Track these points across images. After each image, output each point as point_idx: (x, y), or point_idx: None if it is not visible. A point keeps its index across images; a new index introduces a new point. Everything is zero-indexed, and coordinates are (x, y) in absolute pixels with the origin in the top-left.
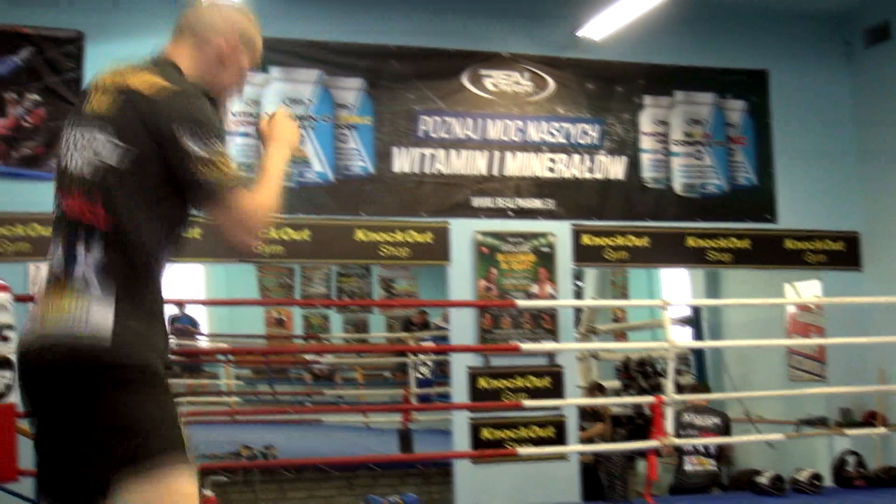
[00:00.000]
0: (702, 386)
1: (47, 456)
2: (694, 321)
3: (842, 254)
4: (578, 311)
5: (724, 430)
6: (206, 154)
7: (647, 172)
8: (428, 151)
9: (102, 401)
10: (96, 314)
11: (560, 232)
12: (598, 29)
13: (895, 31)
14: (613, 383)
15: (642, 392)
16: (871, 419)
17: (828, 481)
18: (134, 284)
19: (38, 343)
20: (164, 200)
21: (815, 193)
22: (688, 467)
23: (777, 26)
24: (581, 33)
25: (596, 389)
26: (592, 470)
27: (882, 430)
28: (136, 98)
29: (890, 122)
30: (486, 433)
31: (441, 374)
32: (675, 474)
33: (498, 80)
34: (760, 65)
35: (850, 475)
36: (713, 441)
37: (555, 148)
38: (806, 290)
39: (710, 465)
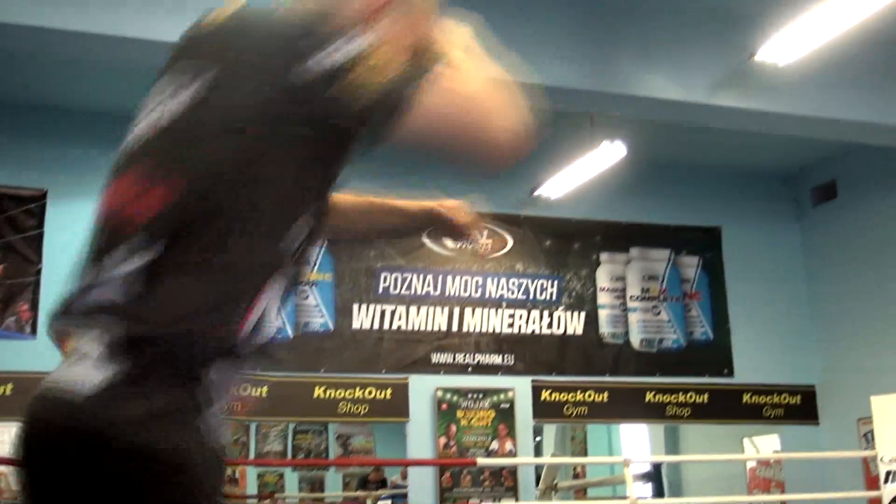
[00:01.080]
0: None
1: None
2: (654, 477)
3: (799, 408)
4: (538, 466)
5: None
6: None
7: (605, 328)
8: (388, 307)
9: None
10: None
11: (519, 388)
12: (555, 188)
13: (842, 191)
14: None
15: None
16: None
17: None
18: None
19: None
20: None
21: (771, 347)
22: None
23: (729, 185)
24: (538, 192)
25: None
26: None
27: None
28: None
29: (840, 277)
30: None
31: None
32: None
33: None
34: (714, 222)
35: None
36: None
37: (514, 304)
38: (765, 444)
39: None
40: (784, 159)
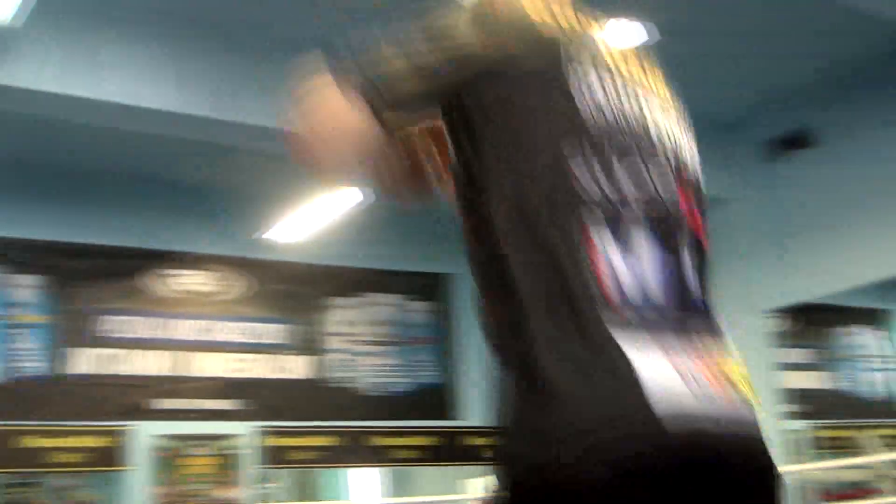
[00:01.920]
0: None
1: None
2: None
3: None
4: None
5: None
6: None
7: (334, 372)
8: (107, 352)
9: None
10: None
11: (245, 434)
12: (286, 232)
13: None
14: None
15: None
16: None
17: None
18: None
19: (737, 429)
20: None
21: None
22: None
23: (457, 232)
24: (269, 235)
25: None
26: None
27: None
28: None
29: None
30: None
31: None
32: None
33: (184, 280)
34: (444, 268)
35: None
36: None
37: (241, 348)
38: (485, 486)
39: None
40: None
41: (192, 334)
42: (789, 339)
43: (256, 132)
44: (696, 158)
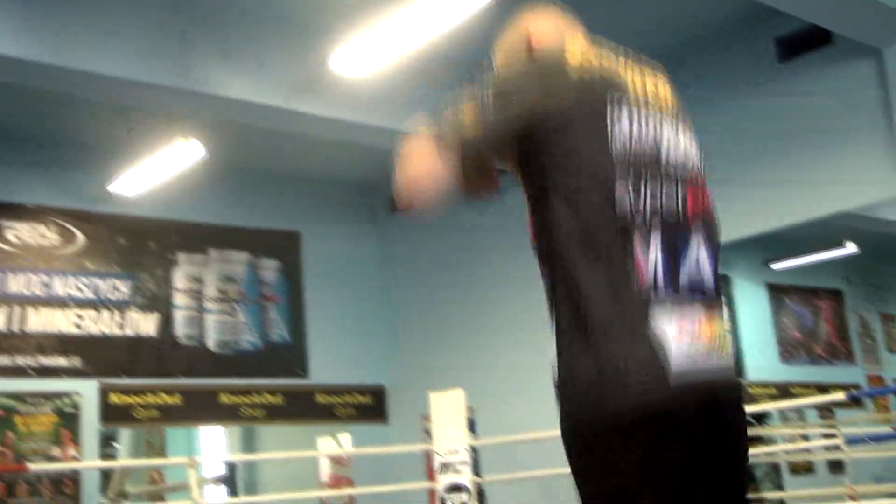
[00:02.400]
0: None
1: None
2: (229, 480)
3: (370, 407)
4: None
5: None
6: None
7: (180, 329)
8: None
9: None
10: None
11: (86, 391)
12: (130, 185)
13: None
14: None
15: None
16: None
17: None
18: None
19: (723, 375)
20: None
21: (346, 349)
22: None
23: (309, 191)
24: (112, 188)
25: None
26: None
27: None
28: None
29: (410, 283)
30: None
31: None
32: None
33: (21, 233)
34: (293, 226)
35: None
36: None
37: (82, 304)
38: (336, 442)
39: None
40: (362, 168)
41: (30, 288)
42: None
43: (102, 82)
44: (699, 156)
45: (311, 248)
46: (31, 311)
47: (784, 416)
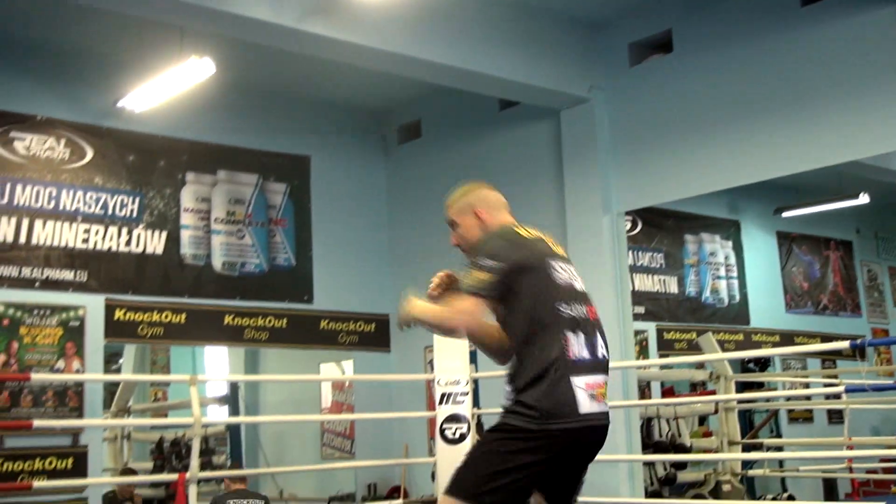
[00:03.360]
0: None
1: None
2: (231, 400)
3: (373, 335)
4: (112, 389)
5: None
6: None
7: (187, 249)
8: None
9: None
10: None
11: (92, 306)
12: (141, 101)
13: (426, 130)
14: (147, 465)
15: (175, 472)
16: (394, 493)
17: None
18: None
19: (603, 418)
20: None
21: (351, 276)
22: None
23: (320, 115)
24: (122, 103)
25: (126, 473)
26: None
27: (398, 501)
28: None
29: (417, 214)
30: None
31: None
32: None
33: (31, 144)
34: (303, 150)
35: None
36: None
37: (90, 218)
38: (339, 369)
39: None
40: (374, 95)
41: (38, 200)
42: (641, 241)
43: None
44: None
45: (319, 173)
46: (38, 223)
47: (786, 363)
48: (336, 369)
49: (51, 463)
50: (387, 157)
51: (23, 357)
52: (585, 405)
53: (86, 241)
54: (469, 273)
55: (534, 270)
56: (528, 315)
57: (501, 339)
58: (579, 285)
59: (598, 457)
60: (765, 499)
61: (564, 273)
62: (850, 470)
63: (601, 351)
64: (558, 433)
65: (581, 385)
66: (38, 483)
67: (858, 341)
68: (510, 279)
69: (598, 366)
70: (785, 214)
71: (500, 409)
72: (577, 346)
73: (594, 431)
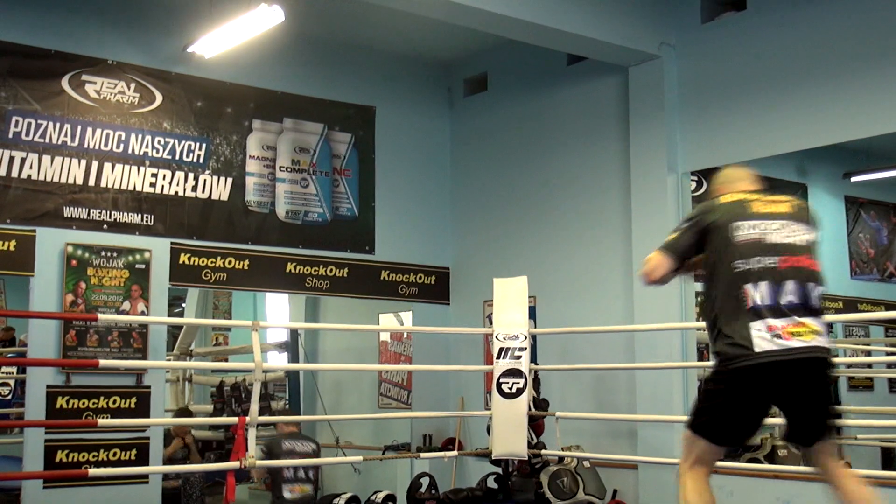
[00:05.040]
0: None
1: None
2: (291, 347)
3: (433, 287)
4: (175, 333)
5: (317, 455)
6: None
7: (252, 196)
8: (18, 154)
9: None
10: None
11: (157, 249)
12: (210, 47)
13: (492, 83)
14: (207, 408)
15: (234, 416)
16: (449, 445)
17: (402, 502)
18: None
19: (791, 353)
20: None
21: (412, 229)
22: (286, 495)
23: (385, 66)
24: (192, 49)
25: (183, 414)
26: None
27: (453, 453)
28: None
29: (481, 168)
30: (61, 455)
31: (23, 394)
32: (272, 501)
33: (101, 88)
34: (368, 101)
35: (423, 496)
36: (302, 463)
37: (158, 163)
38: (398, 320)
39: (308, 490)
40: (441, 47)
41: (108, 144)
42: (704, 202)
43: None
44: (809, 238)
45: (384, 124)
46: (107, 166)
47: (849, 330)
48: (395, 320)
49: (115, 402)
50: (452, 109)
51: (89, 297)
52: (764, 345)
53: (153, 185)
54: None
55: (717, 231)
56: (710, 271)
57: None
58: (778, 237)
59: (655, 416)
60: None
61: (754, 231)
62: None
63: (788, 297)
64: (735, 373)
65: (761, 328)
66: (102, 420)
67: None
68: (698, 239)
69: (786, 309)
70: (854, 179)
71: None
72: (756, 296)
73: (780, 366)
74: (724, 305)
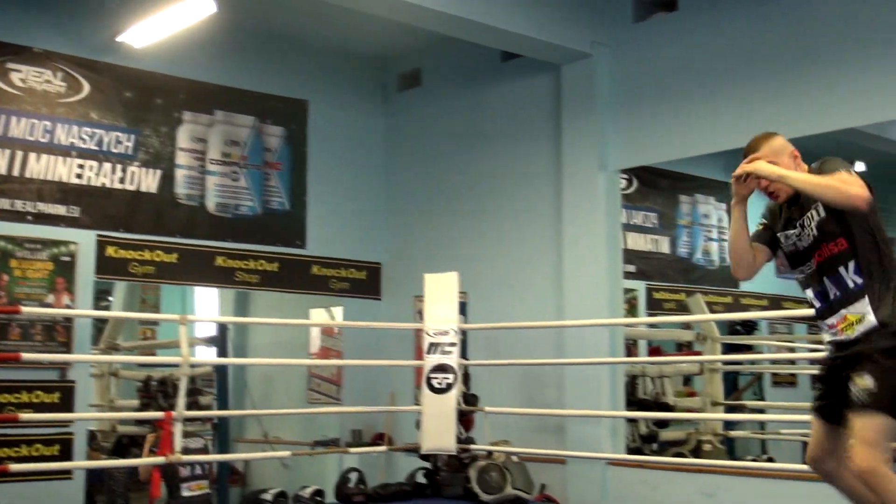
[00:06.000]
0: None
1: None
2: (220, 342)
3: (364, 283)
4: (101, 326)
5: (207, 451)
6: None
7: (181, 188)
8: None
9: None
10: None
11: (83, 242)
12: (140, 36)
13: (426, 79)
14: (134, 403)
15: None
16: (378, 440)
17: (331, 498)
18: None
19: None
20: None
21: (344, 223)
22: (185, 493)
23: (319, 60)
24: (122, 38)
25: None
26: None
27: (383, 448)
28: None
29: (414, 164)
30: None
31: None
32: (169, 500)
33: (27, 76)
34: (301, 95)
35: (351, 491)
36: (224, 458)
37: (85, 154)
38: (330, 315)
39: (205, 486)
40: (375, 42)
41: (33, 134)
42: (634, 200)
43: None
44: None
45: (317, 118)
46: (32, 156)
47: (773, 327)
48: (326, 315)
49: (38, 396)
50: (386, 105)
51: (13, 290)
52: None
53: (80, 176)
54: (841, 172)
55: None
56: (883, 237)
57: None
58: (804, 243)
59: (583, 411)
60: (744, 460)
61: (789, 240)
62: None
63: (833, 293)
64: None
65: (825, 328)
66: (24, 415)
67: None
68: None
69: (832, 308)
70: None
71: None
72: (813, 300)
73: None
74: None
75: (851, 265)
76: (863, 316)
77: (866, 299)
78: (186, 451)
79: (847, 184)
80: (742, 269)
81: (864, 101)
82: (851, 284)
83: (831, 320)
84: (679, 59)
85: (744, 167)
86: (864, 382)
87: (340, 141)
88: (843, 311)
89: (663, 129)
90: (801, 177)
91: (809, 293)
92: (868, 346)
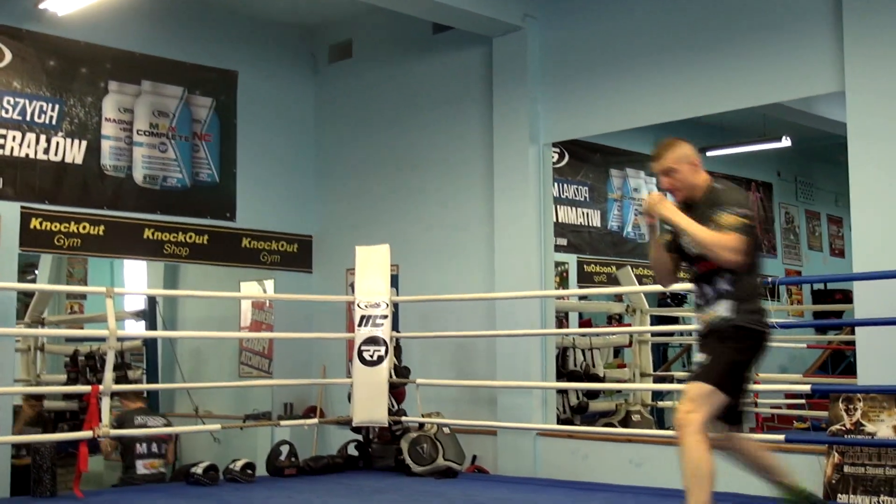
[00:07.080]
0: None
1: None
2: (149, 315)
3: (295, 255)
4: (28, 301)
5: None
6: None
7: (108, 160)
8: None
9: None
10: None
11: (7, 214)
12: (64, 4)
13: (357, 50)
14: (61, 377)
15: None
16: (310, 413)
17: (262, 471)
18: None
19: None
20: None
21: (275, 196)
22: (141, 470)
23: (249, 30)
24: (45, 5)
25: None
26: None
27: (314, 421)
28: None
29: (345, 136)
30: None
31: None
32: (122, 475)
33: None
34: (231, 65)
35: (283, 464)
36: (154, 432)
37: (7, 124)
38: (260, 288)
39: (160, 465)
40: (306, 12)
41: None
42: (565, 174)
43: None
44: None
45: (246, 89)
46: None
47: None
48: (257, 288)
49: None
50: (316, 76)
51: None
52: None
53: (2, 146)
54: (724, 216)
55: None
56: (751, 260)
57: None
58: (692, 251)
59: (513, 382)
60: (673, 430)
61: (686, 241)
62: (756, 405)
63: (708, 293)
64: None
65: (698, 318)
66: None
67: (770, 280)
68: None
69: (707, 303)
70: (709, 154)
71: None
72: (694, 296)
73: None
74: (760, 289)
75: (725, 276)
76: (720, 314)
77: (728, 303)
78: (145, 428)
79: (724, 244)
80: (666, 280)
81: (786, 77)
82: (722, 290)
83: (701, 313)
84: (610, 33)
85: (645, 205)
86: (700, 358)
87: (271, 112)
88: (710, 308)
89: (594, 103)
90: (689, 226)
91: (693, 288)
92: (715, 334)
